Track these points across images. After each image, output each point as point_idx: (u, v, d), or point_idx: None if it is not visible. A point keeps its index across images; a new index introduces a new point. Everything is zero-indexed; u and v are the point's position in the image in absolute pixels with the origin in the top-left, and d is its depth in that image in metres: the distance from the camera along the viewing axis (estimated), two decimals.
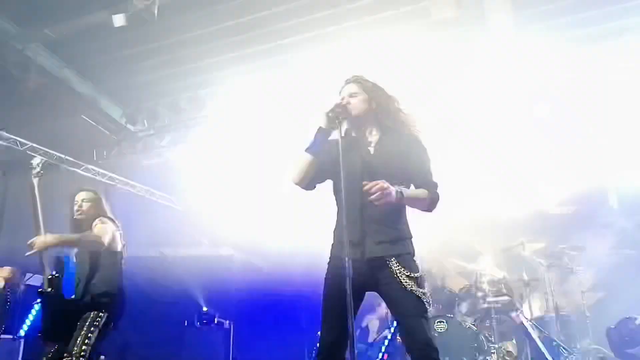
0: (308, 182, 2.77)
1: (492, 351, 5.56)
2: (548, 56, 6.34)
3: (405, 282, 2.54)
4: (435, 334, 5.56)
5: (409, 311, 2.53)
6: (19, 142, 6.92)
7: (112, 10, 5.66)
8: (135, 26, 5.72)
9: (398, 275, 2.55)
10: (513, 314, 5.93)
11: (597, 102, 6.56)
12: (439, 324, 5.66)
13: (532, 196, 7.99)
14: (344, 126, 2.72)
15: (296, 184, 2.77)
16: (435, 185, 2.72)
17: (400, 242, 2.65)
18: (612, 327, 5.95)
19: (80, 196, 4.02)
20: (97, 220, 3.87)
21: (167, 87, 7.45)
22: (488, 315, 5.80)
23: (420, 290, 2.55)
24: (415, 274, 2.58)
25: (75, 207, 3.98)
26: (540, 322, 6.10)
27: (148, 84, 7.35)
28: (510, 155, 7.62)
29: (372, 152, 2.78)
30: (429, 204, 2.69)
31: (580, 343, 6.15)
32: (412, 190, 2.70)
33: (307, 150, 2.71)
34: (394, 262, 2.58)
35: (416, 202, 2.70)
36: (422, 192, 2.69)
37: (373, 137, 2.83)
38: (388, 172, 2.64)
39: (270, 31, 6.35)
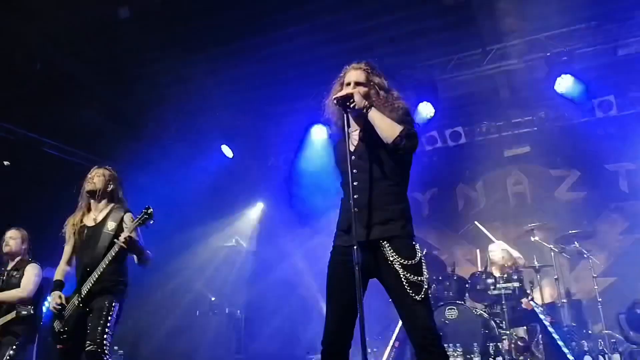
0: None
1: (503, 337, 5.56)
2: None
3: (400, 269, 2.47)
4: (446, 321, 5.56)
5: (406, 299, 2.46)
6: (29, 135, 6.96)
7: (118, 1, 5.65)
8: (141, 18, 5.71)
9: (392, 262, 2.49)
10: (524, 300, 5.91)
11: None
12: (449, 310, 5.66)
13: (542, 181, 7.95)
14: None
15: None
16: (409, 127, 2.61)
17: (391, 222, 2.56)
18: (623, 311, 5.93)
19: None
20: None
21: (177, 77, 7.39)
22: (499, 302, 5.78)
23: (417, 277, 2.47)
24: (411, 261, 2.49)
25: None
26: (551, 308, 6.08)
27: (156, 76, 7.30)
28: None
29: (364, 144, 2.72)
30: (397, 131, 2.55)
31: (592, 328, 6.15)
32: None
33: None
34: (387, 247, 2.51)
35: (382, 121, 2.61)
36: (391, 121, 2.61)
37: (367, 127, 2.73)
38: (381, 163, 2.64)
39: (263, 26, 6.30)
